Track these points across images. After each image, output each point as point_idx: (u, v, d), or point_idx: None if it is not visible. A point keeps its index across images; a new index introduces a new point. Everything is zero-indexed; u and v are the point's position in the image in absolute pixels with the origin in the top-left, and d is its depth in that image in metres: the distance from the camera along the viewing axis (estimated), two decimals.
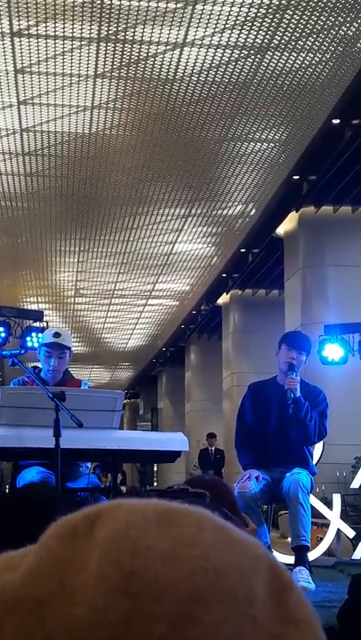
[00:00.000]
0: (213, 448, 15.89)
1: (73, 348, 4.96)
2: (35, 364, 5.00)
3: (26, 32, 7.78)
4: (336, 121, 9.58)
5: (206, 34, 7.84)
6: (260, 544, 0.48)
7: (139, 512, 0.47)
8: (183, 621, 0.42)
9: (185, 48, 8.07)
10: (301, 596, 0.47)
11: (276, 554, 5.31)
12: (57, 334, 4.76)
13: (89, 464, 4.79)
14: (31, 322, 9.91)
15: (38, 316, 9.89)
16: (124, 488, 11.03)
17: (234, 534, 0.47)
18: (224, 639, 0.43)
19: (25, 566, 0.47)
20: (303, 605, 0.47)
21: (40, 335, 9.16)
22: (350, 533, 6.76)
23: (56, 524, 0.48)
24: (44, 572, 0.46)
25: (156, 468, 23.84)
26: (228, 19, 7.57)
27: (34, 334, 9.61)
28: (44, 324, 9.82)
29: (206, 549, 0.45)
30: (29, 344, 9.52)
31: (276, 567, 0.47)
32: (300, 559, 4.67)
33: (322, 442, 6.50)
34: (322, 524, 6.93)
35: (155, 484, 24.53)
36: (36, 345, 9.24)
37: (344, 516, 7.02)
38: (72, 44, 7.98)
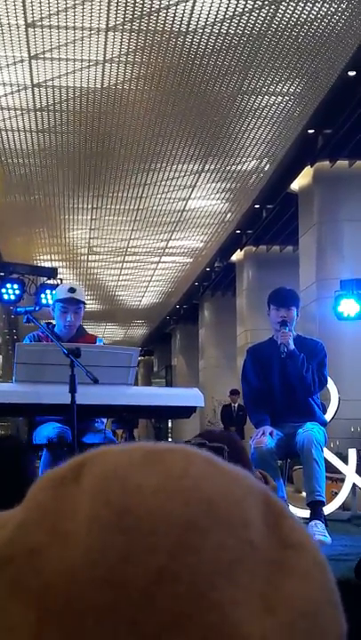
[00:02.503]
0: (236, 404, 15.92)
1: (87, 306, 4.96)
2: (48, 320, 5.00)
3: None
4: (352, 73, 9.43)
5: None
6: (252, 476, 0.48)
7: (124, 454, 0.47)
8: (181, 550, 0.42)
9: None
10: (297, 522, 0.48)
11: (291, 508, 5.35)
12: (72, 289, 4.76)
13: (104, 420, 4.81)
14: (45, 279, 9.91)
15: (52, 273, 9.89)
16: None
17: (223, 467, 0.47)
18: (224, 565, 0.43)
19: (13, 520, 0.46)
20: (299, 531, 0.47)
21: (54, 292, 9.19)
22: None
23: (42, 476, 0.48)
24: (33, 522, 0.45)
25: (170, 424, 24.00)
26: None
27: (48, 291, 9.62)
28: (58, 280, 9.82)
29: (197, 481, 0.45)
30: (44, 301, 9.53)
31: (268, 496, 0.47)
32: (316, 513, 4.70)
33: (337, 396, 6.52)
34: (337, 478, 6.96)
35: (169, 439, 24.75)
36: (50, 302, 9.24)
37: (359, 471, 7.05)
38: None
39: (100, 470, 0.46)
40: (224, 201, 14.05)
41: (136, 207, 14.12)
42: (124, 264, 18.23)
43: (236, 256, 17.54)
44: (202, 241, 16.61)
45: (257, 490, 0.47)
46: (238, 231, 15.95)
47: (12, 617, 0.43)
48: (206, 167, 12.27)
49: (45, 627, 0.43)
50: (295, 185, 12.83)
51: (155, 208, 14.19)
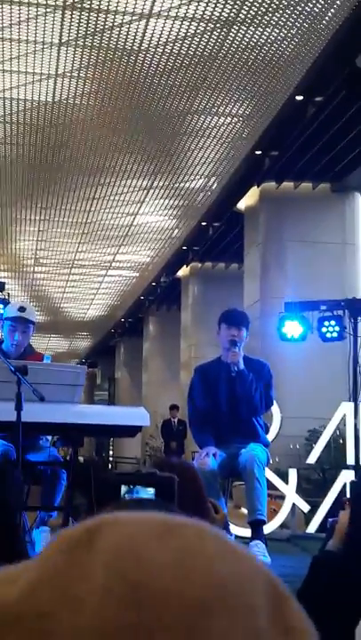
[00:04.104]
0: (176, 419, 15.98)
1: (35, 322, 4.96)
2: None
3: None
4: (300, 97, 9.61)
5: (173, 5, 7.78)
6: (255, 555, 0.49)
7: (138, 524, 0.47)
8: (191, 632, 0.42)
9: (151, 19, 8.01)
10: (297, 604, 0.48)
11: (231, 526, 5.41)
12: (22, 308, 4.75)
13: (49, 437, 4.81)
14: None
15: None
16: (81, 458, 11.04)
17: (232, 545, 0.47)
18: None
19: (25, 579, 0.46)
20: (300, 615, 0.47)
21: (1, 306, 9.13)
22: (305, 508, 6.89)
23: (57, 536, 0.48)
24: (45, 583, 0.45)
25: (112, 439, 23.91)
26: None
27: None
28: (6, 294, 9.76)
29: (211, 559, 0.45)
30: None
31: (272, 577, 0.48)
32: (257, 533, 4.76)
33: (279, 415, 6.62)
34: (276, 495, 7.05)
35: (110, 452, 24.63)
36: None
37: (298, 490, 7.16)
38: (37, 11, 7.87)
39: (115, 540, 0.46)
40: (172, 217, 14.15)
41: (84, 220, 14.12)
42: (71, 276, 18.19)
43: (182, 272, 17.65)
44: (149, 256, 16.67)
45: (263, 571, 0.47)
46: (185, 247, 16.06)
47: None
48: (155, 183, 12.35)
49: None
50: (241, 204, 13.00)
51: (103, 222, 14.21)
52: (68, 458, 5.11)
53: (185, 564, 0.45)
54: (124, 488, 1.71)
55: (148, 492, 1.68)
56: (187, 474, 1.82)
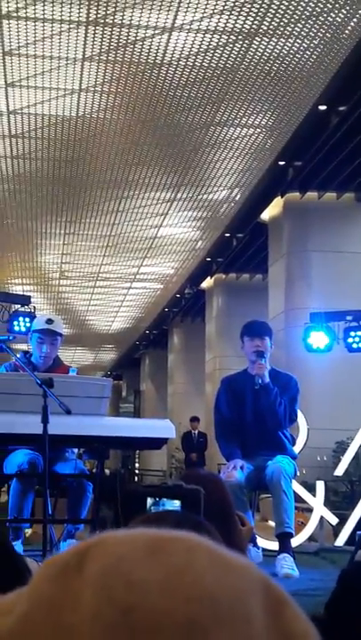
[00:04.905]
0: (197, 431, 15.99)
1: (63, 334, 4.98)
2: (22, 346, 5.01)
3: (14, 14, 7.73)
4: (323, 107, 9.59)
5: (195, 18, 7.81)
6: (252, 563, 0.48)
7: (127, 544, 0.46)
8: None
9: (173, 32, 8.05)
10: (297, 610, 0.47)
11: (259, 539, 5.38)
12: (50, 321, 4.78)
13: (75, 450, 4.82)
14: (18, 306, 9.89)
15: (25, 300, 9.87)
16: (107, 471, 11.06)
17: (225, 557, 0.46)
18: None
19: (18, 610, 0.46)
20: (300, 620, 0.46)
21: (27, 320, 9.18)
22: (333, 520, 6.83)
23: (46, 563, 0.48)
24: (37, 614, 0.45)
25: (137, 452, 23.93)
26: (216, 3, 7.55)
27: (21, 319, 9.59)
28: (32, 308, 9.81)
29: (199, 575, 0.44)
30: (17, 328, 9.50)
31: (270, 584, 0.47)
32: (284, 546, 4.73)
33: (306, 427, 6.58)
34: (304, 508, 7.00)
35: (136, 464, 24.62)
36: (23, 329, 9.22)
37: (326, 502, 7.10)
38: (60, 27, 7.94)
39: (103, 563, 0.45)
40: (195, 229, 14.17)
41: (108, 233, 14.18)
42: (95, 289, 18.25)
43: (206, 283, 17.64)
44: (173, 268, 16.70)
45: (258, 579, 0.46)
46: (209, 259, 16.06)
47: None
48: (178, 195, 12.38)
49: None
50: (265, 215, 12.98)
51: (126, 235, 14.26)
52: (94, 470, 5.12)
53: (174, 581, 0.44)
54: (150, 500, 1.70)
55: (174, 505, 1.68)
56: (214, 486, 1.81)
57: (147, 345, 25.12)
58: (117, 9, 7.64)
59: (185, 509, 1.66)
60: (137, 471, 23.50)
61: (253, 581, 0.46)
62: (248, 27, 7.93)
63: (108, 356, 28.70)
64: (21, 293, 13.17)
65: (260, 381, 4.91)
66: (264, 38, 8.14)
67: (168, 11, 7.69)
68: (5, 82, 9.01)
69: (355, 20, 7.89)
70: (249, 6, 7.59)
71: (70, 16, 7.74)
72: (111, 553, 0.46)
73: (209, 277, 17.23)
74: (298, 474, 5.36)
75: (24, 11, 7.65)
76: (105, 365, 30.01)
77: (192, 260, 16.10)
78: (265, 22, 7.85)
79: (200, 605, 0.43)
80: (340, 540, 6.60)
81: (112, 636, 0.42)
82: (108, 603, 0.43)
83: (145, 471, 22.16)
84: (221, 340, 16.42)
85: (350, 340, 7.43)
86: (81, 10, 7.65)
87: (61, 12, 7.66)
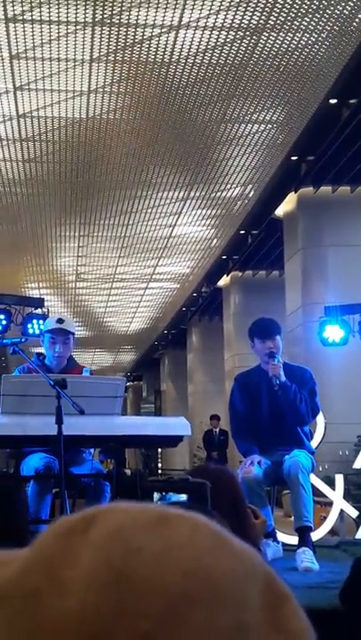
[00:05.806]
0: (218, 429, 15.98)
1: (75, 333, 4.99)
2: (37, 349, 5.01)
3: (20, 17, 7.75)
4: (333, 101, 9.55)
5: (202, 15, 7.79)
6: (257, 553, 0.48)
7: (133, 515, 0.47)
8: (170, 619, 0.43)
9: (180, 30, 8.03)
10: (297, 607, 0.47)
11: (280, 534, 5.36)
12: (60, 320, 4.79)
13: (92, 450, 4.82)
14: (32, 309, 9.92)
15: (39, 302, 9.90)
16: (128, 471, 11.07)
17: (229, 540, 0.47)
18: None
19: (19, 560, 0.48)
20: (298, 618, 0.46)
21: (41, 322, 9.20)
22: (353, 513, 6.80)
23: (55, 523, 0.49)
24: (36, 565, 0.46)
25: (160, 450, 23.95)
26: (223, 0, 7.53)
27: (35, 321, 9.62)
28: (45, 310, 9.83)
29: (199, 552, 0.45)
30: (30, 331, 9.53)
31: (271, 577, 0.47)
32: (304, 540, 4.72)
33: (323, 422, 6.55)
34: (325, 502, 6.96)
35: (159, 464, 24.65)
36: (37, 332, 9.24)
37: (347, 495, 7.06)
38: (67, 29, 7.95)
39: (107, 527, 0.46)
40: (210, 227, 14.14)
41: (123, 234, 14.19)
42: (112, 290, 18.27)
43: (223, 281, 17.61)
44: (188, 267, 16.68)
45: (260, 569, 0.46)
46: (224, 257, 16.04)
47: None
48: (192, 194, 12.36)
49: None
50: (280, 211, 12.94)
51: (141, 235, 14.26)
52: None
53: (173, 554, 0.45)
54: (156, 495, 1.69)
55: (181, 499, 1.66)
56: (223, 480, 1.79)
57: (165, 345, 25.12)
58: (123, 8, 7.64)
59: (192, 503, 1.65)
60: (160, 470, 23.53)
61: (255, 571, 0.46)
62: (255, 22, 7.90)
63: (127, 357, 28.74)
64: (35, 296, 13.22)
65: (277, 382, 4.89)
66: (272, 33, 8.11)
67: (175, 9, 7.67)
68: (14, 85, 9.03)
69: None
70: (255, 1, 7.57)
71: (76, 17, 7.75)
72: (117, 521, 0.47)
73: (225, 275, 17.20)
74: (315, 468, 5.33)
75: (30, 14, 7.66)
76: (125, 366, 30.05)
77: (208, 258, 16.08)
78: (272, 17, 7.82)
79: (195, 580, 0.43)
80: None
81: (102, 596, 0.43)
82: (105, 565, 0.44)
83: (167, 470, 22.18)
84: (240, 337, 16.36)
85: None
86: (87, 10, 7.65)
87: (67, 13, 7.67)
